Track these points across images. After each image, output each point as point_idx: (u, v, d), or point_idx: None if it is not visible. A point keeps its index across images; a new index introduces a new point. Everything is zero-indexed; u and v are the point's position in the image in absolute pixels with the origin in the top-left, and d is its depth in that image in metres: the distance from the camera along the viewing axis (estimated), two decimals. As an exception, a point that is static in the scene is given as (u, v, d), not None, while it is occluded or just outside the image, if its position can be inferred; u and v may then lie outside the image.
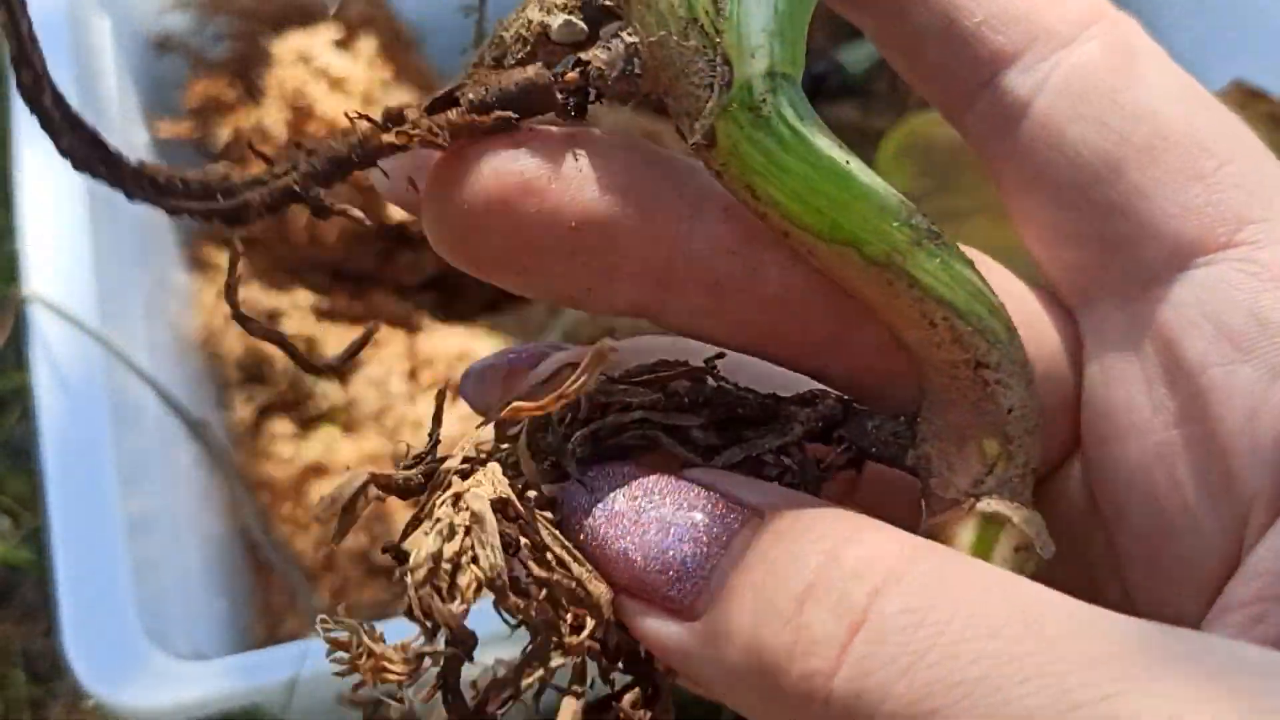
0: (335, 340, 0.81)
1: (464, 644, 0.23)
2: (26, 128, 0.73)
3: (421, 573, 0.23)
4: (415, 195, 0.24)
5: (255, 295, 0.82)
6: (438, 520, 0.24)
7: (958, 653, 0.20)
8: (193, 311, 0.82)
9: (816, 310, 0.24)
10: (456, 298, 0.86)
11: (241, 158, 0.85)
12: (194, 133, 0.86)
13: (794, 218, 0.23)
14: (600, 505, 0.24)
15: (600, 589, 0.23)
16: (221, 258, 0.84)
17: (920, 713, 0.20)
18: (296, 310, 0.82)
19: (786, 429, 0.25)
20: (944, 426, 0.25)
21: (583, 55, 0.24)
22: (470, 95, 0.23)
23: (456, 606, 0.23)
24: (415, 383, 0.80)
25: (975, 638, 0.20)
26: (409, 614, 0.23)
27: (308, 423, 0.80)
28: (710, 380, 0.26)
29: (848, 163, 0.23)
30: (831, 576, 0.21)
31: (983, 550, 0.25)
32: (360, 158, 0.23)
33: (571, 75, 0.23)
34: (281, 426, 0.79)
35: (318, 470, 0.78)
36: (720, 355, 0.26)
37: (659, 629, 0.23)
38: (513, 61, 0.24)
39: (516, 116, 0.23)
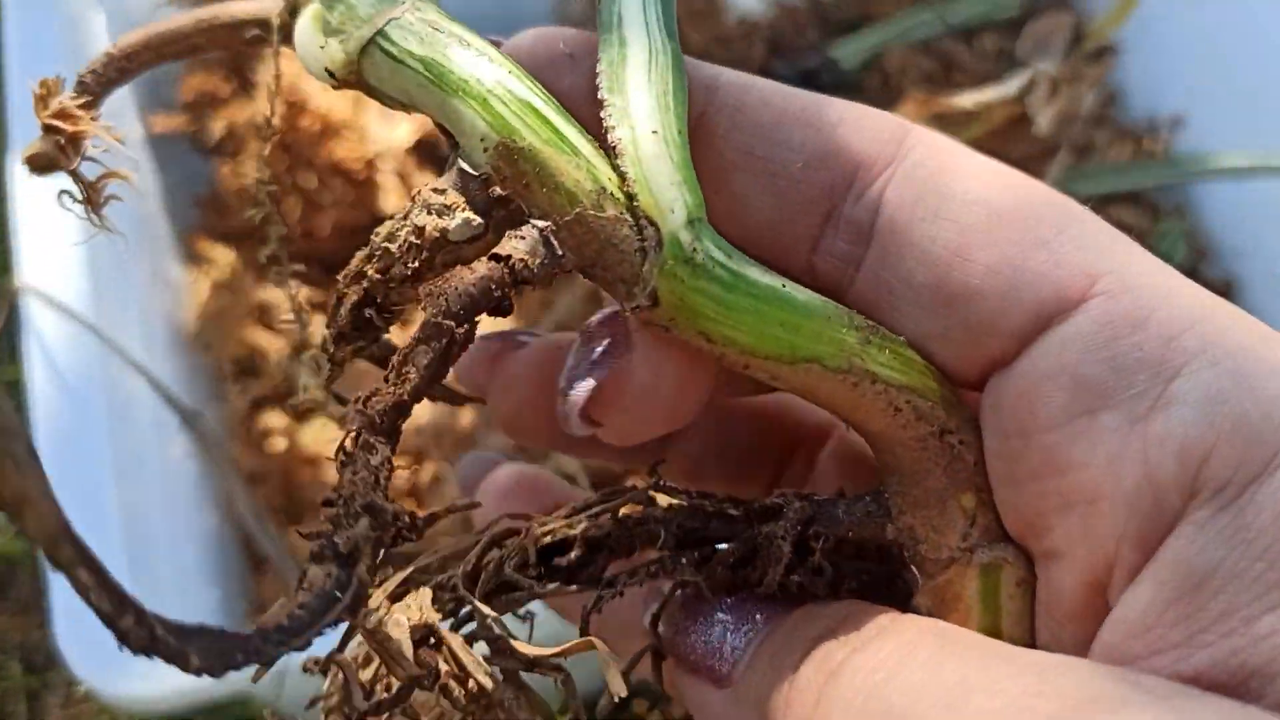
0: (328, 333, 0.81)
1: None
2: (19, 121, 0.73)
3: (333, 700, 0.23)
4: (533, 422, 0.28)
5: (250, 288, 0.82)
6: (359, 643, 0.24)
7: (905, 699, 0.22)
8: (187, 304, 0.82)
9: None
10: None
11: (235, 152, 0.85)
12: (188, 127, 0.87)
13: (752, 351, 0.24)
14: (666, 619, 0.28)
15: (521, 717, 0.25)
16: (215, 251, 0.84)
17: None
18: (289, 303, 0.82)
19: (777, 553, 0.26)
20: (921, 495, 0.26)
21: (499, 251, 0.23)
22: (435, 310, 0.23)
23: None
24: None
25: (922, 687, 0.23)
26: None
27: (301, 415, 0.80)
28: (655, 505, 0.27)
29: (784, 286, 0.24)
30: (824, 646, 0.25)
31: (990, 595, 0.26)
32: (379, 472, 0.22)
33: (502, 277, 0.23)
34: (275, 418, 0.79)
35: (311, 462, 0.78)
36: (661, 462, 0.28)
37: (702, 692, 0.27)
38: (407, 271, 0.23)
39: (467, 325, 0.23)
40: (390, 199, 0.83)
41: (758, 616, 0.27)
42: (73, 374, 0.65)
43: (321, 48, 0.24)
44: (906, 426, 0.25)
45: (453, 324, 0.22)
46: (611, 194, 0.23)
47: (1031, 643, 0.26)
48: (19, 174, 0.70)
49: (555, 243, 0.23)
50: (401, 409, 0.22)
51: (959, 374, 0.26)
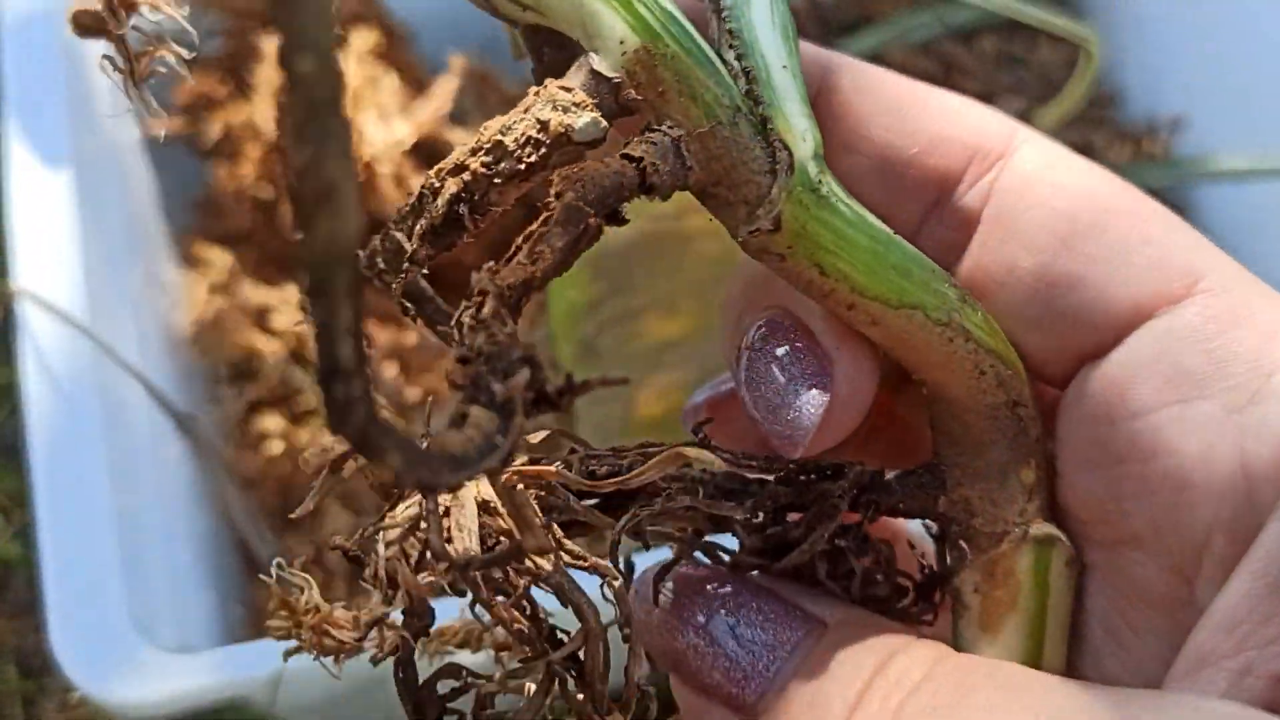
0: (325, 336, 0.81)
1: (420, 617, 0.23)
2: (15, 124, 0.73)
3: (395, 533, 0.22)
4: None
5: (246, 291, 0.82)
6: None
7: None
8: (182, 307, 0.82)
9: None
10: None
11: (232, 154, 0.85)
12: (185, 129, 0.87)
13: (863, 289, 0.24)
14: (672, 604, 0.26)
15: (583, 599, 0.24)
16: (212, 254, 0.84)
17: None
18: (287, 306, 0.82)
19: (830, 511, 0.26)
20: (983, 467, 0.26)
21: (631, 152, 0.23)
22: (571, 196, 0.22)
23: (422, 577, 0.23)
24: (404, 376, 0.81)
25: None
26: (373, 577, 0.23)
27: (298, 418, 0.80)
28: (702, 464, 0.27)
29: (894, 232, 0.24)
30: (877, 685, 0.24)
31: (1041, 571, 0.26)
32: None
33: (634, 176, 0.23)
34: (271, 422, 0.79)
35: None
36: (708, 421, 0.27)
37: (712, 714, 0.25)
38: (518, 166, 0.23)
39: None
40: (387, 201, 0.83)
41: (792, 628, 0.26)
42: (67, 377, 0.65)
43: None
44: (986, 392, 0.25)
45: (591, 211, 0.22)
46: (746, 115, 0.23)
47: (1068, 625, 0.27)
48: (15, 175, 0.70)
49: (686, 153, 0.23)
50: (530, 286, 0.22)
51: (1048, 365, 0.26)
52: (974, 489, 0.26)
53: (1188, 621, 0.24)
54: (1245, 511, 0.23)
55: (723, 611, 0.26)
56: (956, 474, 0.27)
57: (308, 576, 0.23)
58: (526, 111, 0.23)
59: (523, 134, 0.23)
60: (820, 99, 0.26)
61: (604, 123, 0.23)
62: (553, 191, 0.23)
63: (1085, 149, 0.97)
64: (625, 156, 0.23)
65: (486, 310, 0.22)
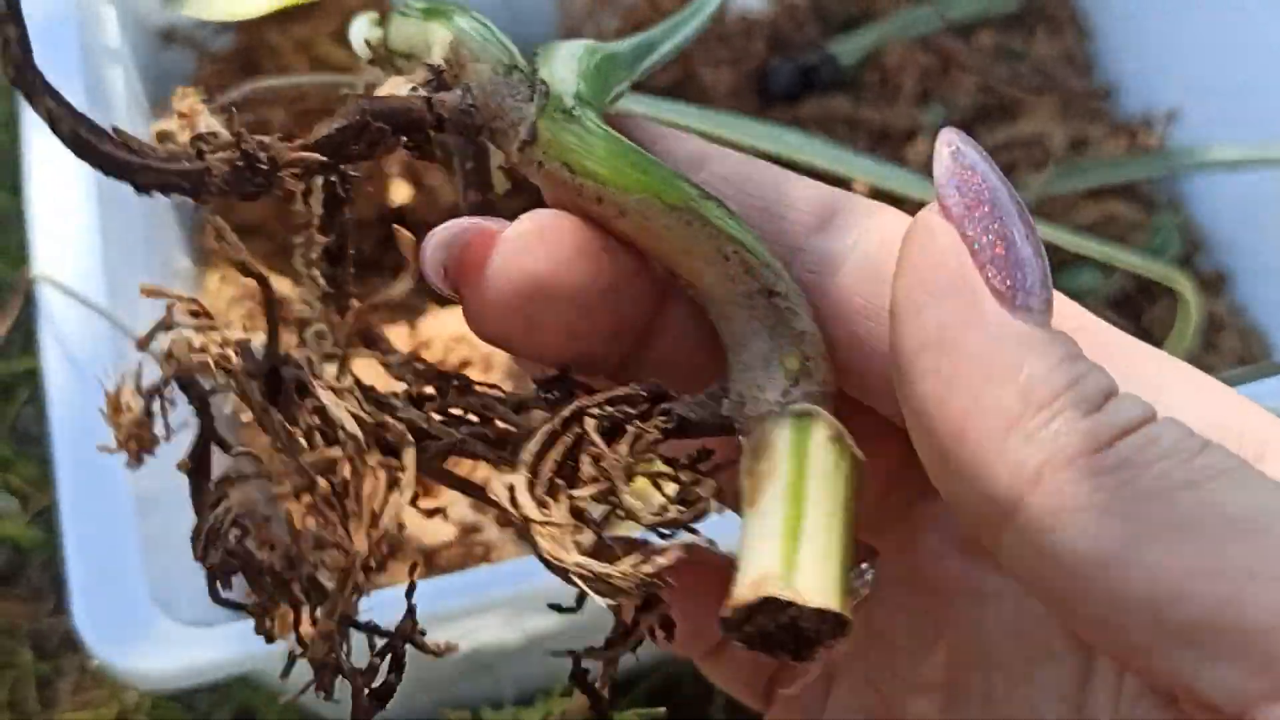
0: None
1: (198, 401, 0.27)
2: (35, 117, 0.74)
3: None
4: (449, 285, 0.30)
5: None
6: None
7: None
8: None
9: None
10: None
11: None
12: (198, 122, 0.88)
13: (604, 181, 0.28)
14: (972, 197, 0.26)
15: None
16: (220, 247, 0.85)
17: None
18: (298, 295, 0.83)
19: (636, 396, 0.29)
20: (750, 359, 0.29)
21: (425, 93, 0.29)
22: (362, 102, 0.28)
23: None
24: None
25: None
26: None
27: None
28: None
29: (647, 151, 0.29)
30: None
31: (801, 441, 0.27)
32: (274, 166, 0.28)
33: (421, 105, 0.29)
34: (284, 407, 0.80)
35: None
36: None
37: (973, 285, 0.25)
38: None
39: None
40: (401, 191, 0.84)
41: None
42: (88, 361, 0.66)
43: (367, 29, 0.33)
44: (735, 279, 0.28)
45: (369, 116, 0.28)
46: (521, 71, 0.29)
47: (848, 503, 0.27)
48: (34, 165, 0.72)
49: (470, 96, 0.29)
50: (309, 147, 0.28)
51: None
52: (743, 382, 0.28)
53: None
54: None
55: (1012, 225, 0.25)
56: (733, 374, 0.29)
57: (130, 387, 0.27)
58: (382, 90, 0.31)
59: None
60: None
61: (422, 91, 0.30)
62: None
63: (1082, 142, 0.98)
64: (426, 98, 0.29)
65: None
